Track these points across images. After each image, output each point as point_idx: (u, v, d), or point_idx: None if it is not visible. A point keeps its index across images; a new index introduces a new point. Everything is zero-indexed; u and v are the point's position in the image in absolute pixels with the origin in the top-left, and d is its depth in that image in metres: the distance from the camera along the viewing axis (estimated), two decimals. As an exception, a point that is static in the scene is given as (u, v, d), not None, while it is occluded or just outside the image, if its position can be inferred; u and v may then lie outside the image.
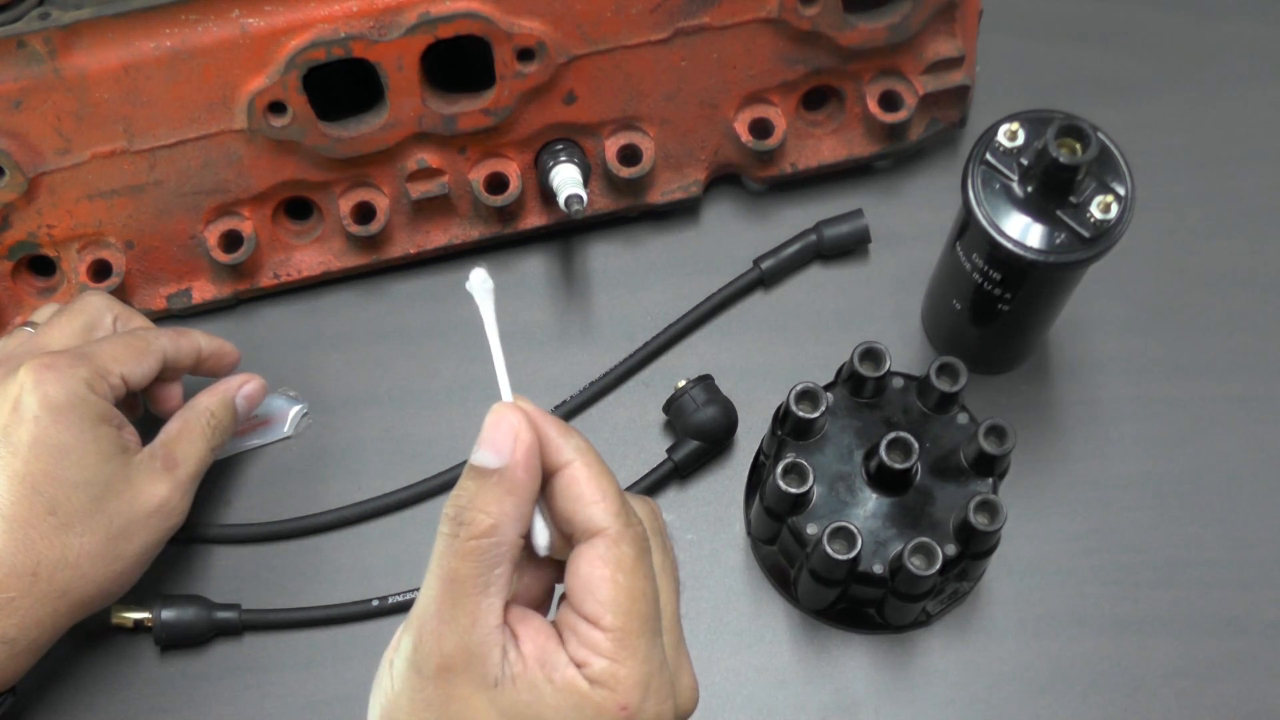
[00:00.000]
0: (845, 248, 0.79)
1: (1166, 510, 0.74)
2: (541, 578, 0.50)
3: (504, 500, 0.45)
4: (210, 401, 0.69)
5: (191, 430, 0.68)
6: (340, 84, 0.72)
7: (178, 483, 0.66)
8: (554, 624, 0.47)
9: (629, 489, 0.74)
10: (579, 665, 0.46)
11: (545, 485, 0.47)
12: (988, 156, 0.65)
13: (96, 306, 0.69)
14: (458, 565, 0.45)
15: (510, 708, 0.45)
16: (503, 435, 0.46)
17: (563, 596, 0.48)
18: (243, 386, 0.71)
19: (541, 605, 0.51)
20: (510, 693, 0.45)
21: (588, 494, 0.46)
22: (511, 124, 0.75)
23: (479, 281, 0.48)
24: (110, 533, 0.63)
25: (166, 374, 0.69)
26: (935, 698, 0.71)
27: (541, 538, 0.46)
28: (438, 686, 0.46)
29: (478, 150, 0.76)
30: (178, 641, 0.71)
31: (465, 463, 0.48)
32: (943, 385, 0.67)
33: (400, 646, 0.48)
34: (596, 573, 0.45)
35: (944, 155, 0.82)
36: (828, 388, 0.69)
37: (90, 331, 0.68)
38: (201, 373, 0.72)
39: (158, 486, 0.65)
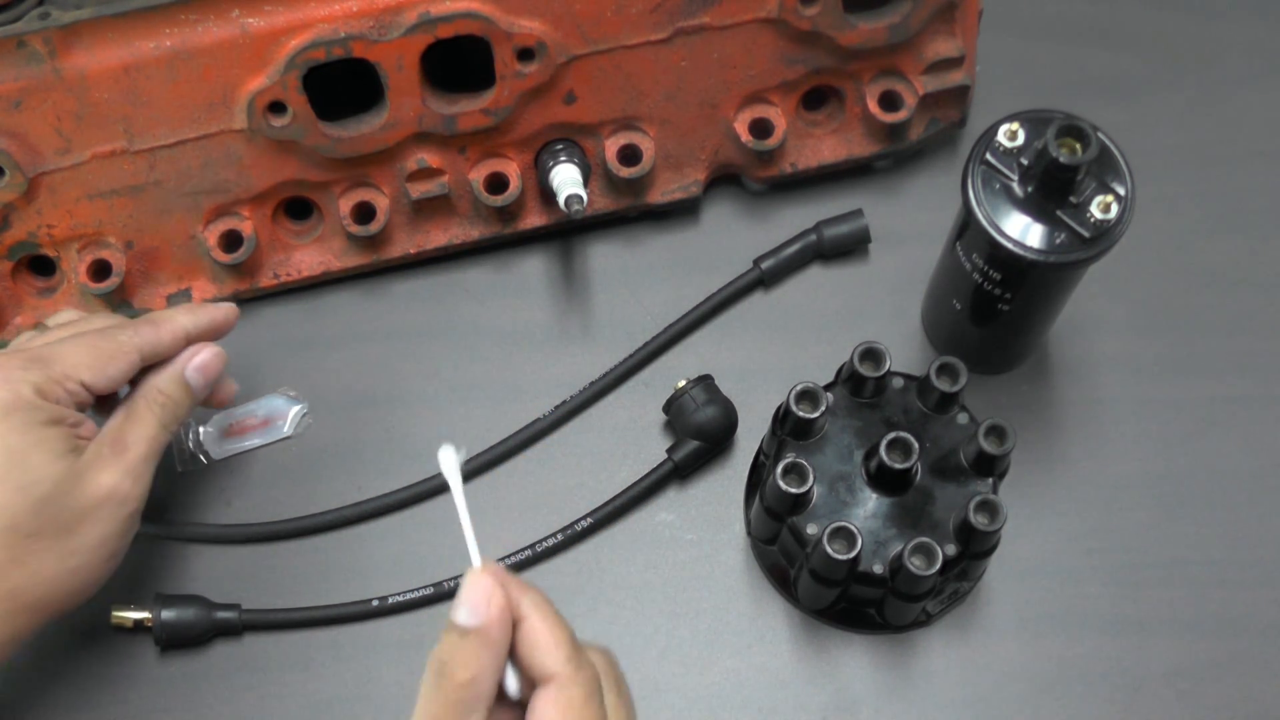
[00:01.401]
0: (845, 248, 0.79)
1: (1166, 510, 0.74)
2: (513, 718, 0.54)
3: (481, 654, 0.50)
4: (159, 380, 0.67)
5: (138, 412, 0.66)
6: (340, 84, 0.72)
7: (127, 468, 0.64)
8: None
9: (629, 489, 0.74)
10: None
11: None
12: (988, 156, 0.65)
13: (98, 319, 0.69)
14: (440, 711, 0.51)
15: None
16: (480, 597, 0.51)
17: None
18: (193, 359, 0.68)
19: None
20: None
21: (543, 643, 0.51)
22: (511, 124, 0.75)
23: (449, 459, 0.53)
24: (59, 527, 0.62)
25: (155, 366, 0.67)
26: (935, 698, 0.71)
27: (512, 684, 0.52)
28: None
29: (478, 150, 0.76)
30: (178, 641, 0.71)
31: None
32: (943, 385, 0.67)
33: None
34: (549, 713, 0.50)
35: (944, 155, 0.82)
36: (828, 388, 0.69)
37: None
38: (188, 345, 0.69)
39: (105, 475, 0.63)
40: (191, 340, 0.69)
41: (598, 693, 0.51)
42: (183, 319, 0.68)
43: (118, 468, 0.64)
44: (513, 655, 0.52)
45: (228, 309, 0.70)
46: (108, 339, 0.65)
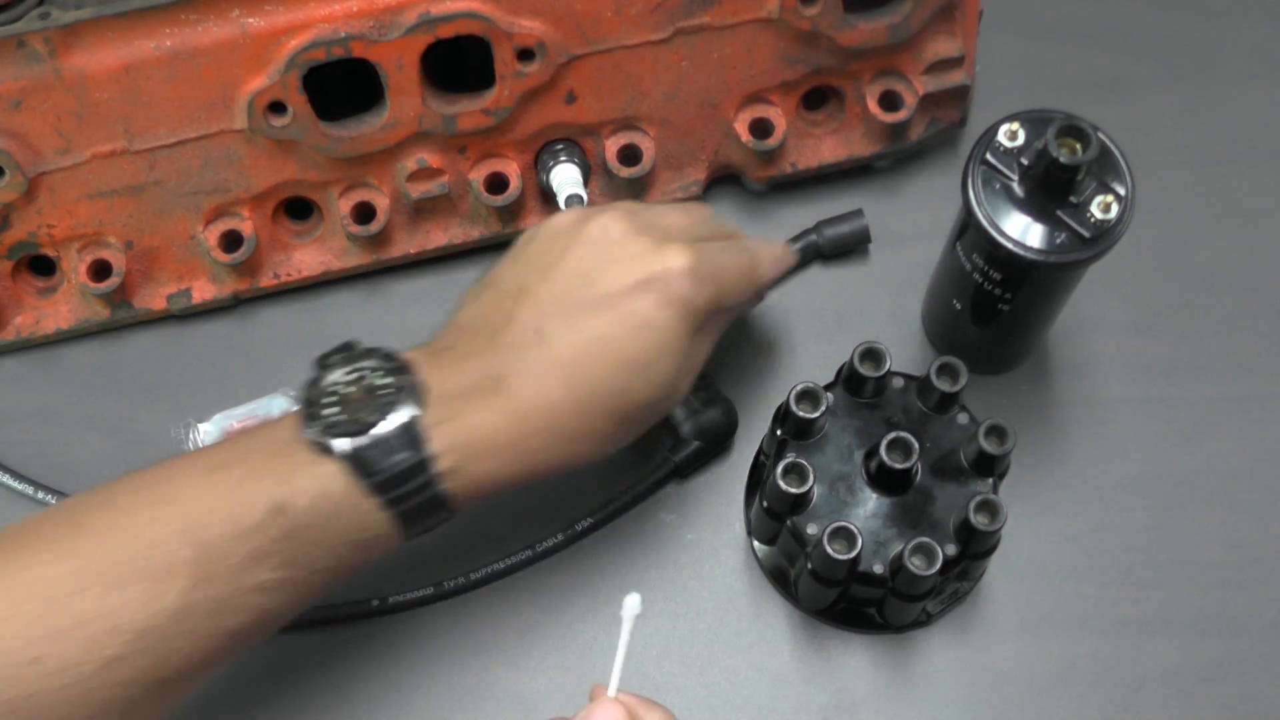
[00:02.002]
0: (846, 247, 0.79)
1: (1166, 510, 0.74)
2: None
3: None
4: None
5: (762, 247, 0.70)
6: (340, 84, 0.72)
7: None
8: None
9: (629, 489, 0.74)
10: None
11: None
12: (988, 156, 0.65)
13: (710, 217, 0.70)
14: None
15: None
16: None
17: None
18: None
19: None
20: None
21: None
22: (511, 124, 0.75)
23: (631, 607, 0.56)
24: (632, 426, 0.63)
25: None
26: (935, 698, 0.71)
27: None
28: None
29: (478, 150, 0.76)
30: (178, 641, 0.71)
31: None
32: (943, 385, 0.67)
33: None
34: None
35: (944, 155, 0.82)
36: (828, 388, 0.69)
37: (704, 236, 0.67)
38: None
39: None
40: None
41: None
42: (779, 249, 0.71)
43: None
44: None
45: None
46: (755, 273, 0.67)
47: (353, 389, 0.58)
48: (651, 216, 0.65)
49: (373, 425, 0.57)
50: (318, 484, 0.56)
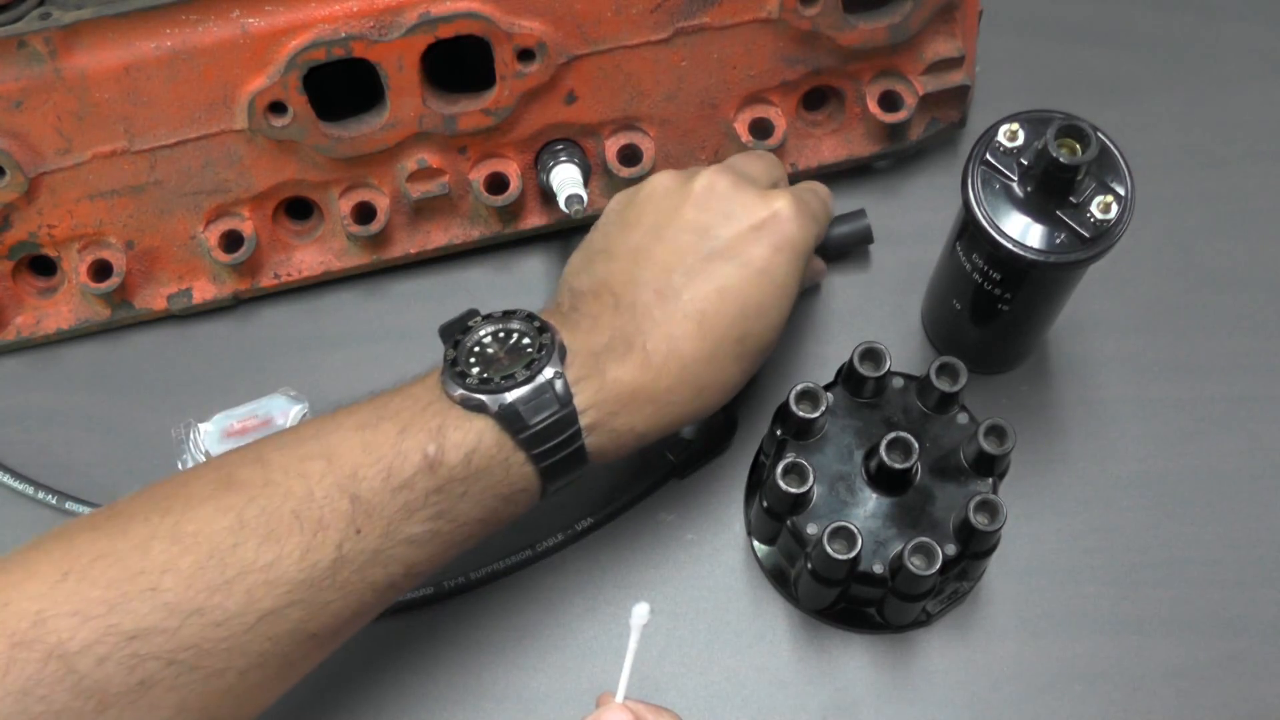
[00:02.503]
0: (847, 247, 0.79)
1: (1166, 510, 0.74)
2: None
3: None
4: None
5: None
6: (340, 84, 0.72)
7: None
8: None
9: (629, 489, 0.74)
10: None
11: None
12: (988, 156, 0.65)
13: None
14: None
15: None
16: None
17: None
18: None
19: None
20: None
21: None
22: (512, 124, 0.75)
23: (639, 615, 0.58)
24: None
25: None
26: (935, 698, 0.71)
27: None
28: None
29: (478, 150, 0.76)
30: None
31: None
32: (943, 385, 0.67)
33: None
34: None
35: (944, 155, 0.82)
36: (828, 388, 0.69)
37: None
38: None
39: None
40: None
41: None
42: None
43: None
44: None
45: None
46: (825, 218, 0.71)
47: (495, 349, 0.61)
48: (744, 167, 0.69)
49: (522, 382, 0.59)
50: (470, 438, 0.58)
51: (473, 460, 0.58)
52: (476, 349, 0.62)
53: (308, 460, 0.58)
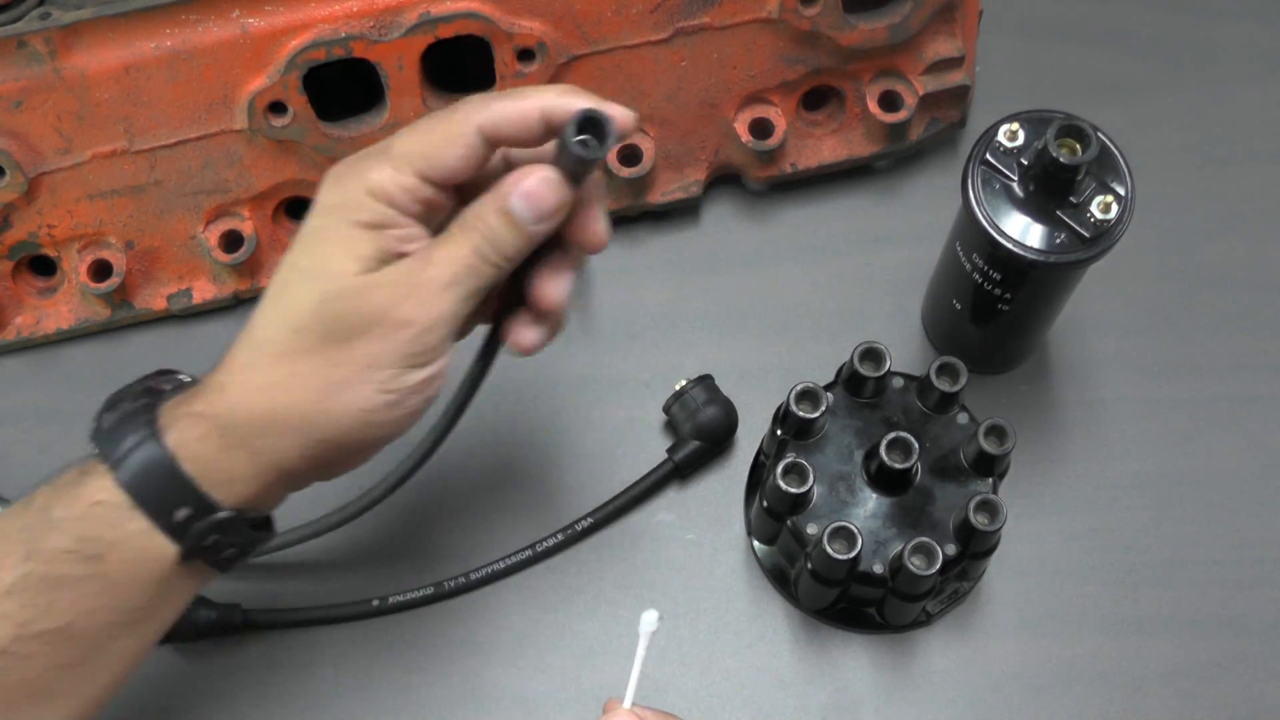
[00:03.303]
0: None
1: (1166, 510, 0.74)
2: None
3: None
4: (477, 205, 0.56)
5: (450, 234, 0.56)
6: (340, 84, 0.72)
7: (416, 286, 0.55)
8: None
9: (629, 489, 0.74)
10: None
11: None
12: (988, 156, 0.65)
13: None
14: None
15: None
16: None
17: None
18: (519, 183, 0.56)
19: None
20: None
21: None
22: (512, 124, 0.74)
23: (648, 623, 0.58)
24: (334, 336, 0.55)
25: (496, 164, 0.57)
26: (935, 698, 0.71)
27: None
28: None
29: (478, 150, 0.76)
30: (178, 640, 0.71)
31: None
32: (943, 385, 0.67)
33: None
34: None
35: (944, 155, 0.82)
36: (828, 388, 0.69)
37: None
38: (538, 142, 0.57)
39: (388, 290, 0.55)
40: (553, 128, 0.56)
41: None
42: (545, 95, 0.56)
43: (404, 285, 0.55)
44: None
45: (616, 107, 0.56)
46: (443, 118, 0.56)
47: None
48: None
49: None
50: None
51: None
52: None
53: None
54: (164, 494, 0.55)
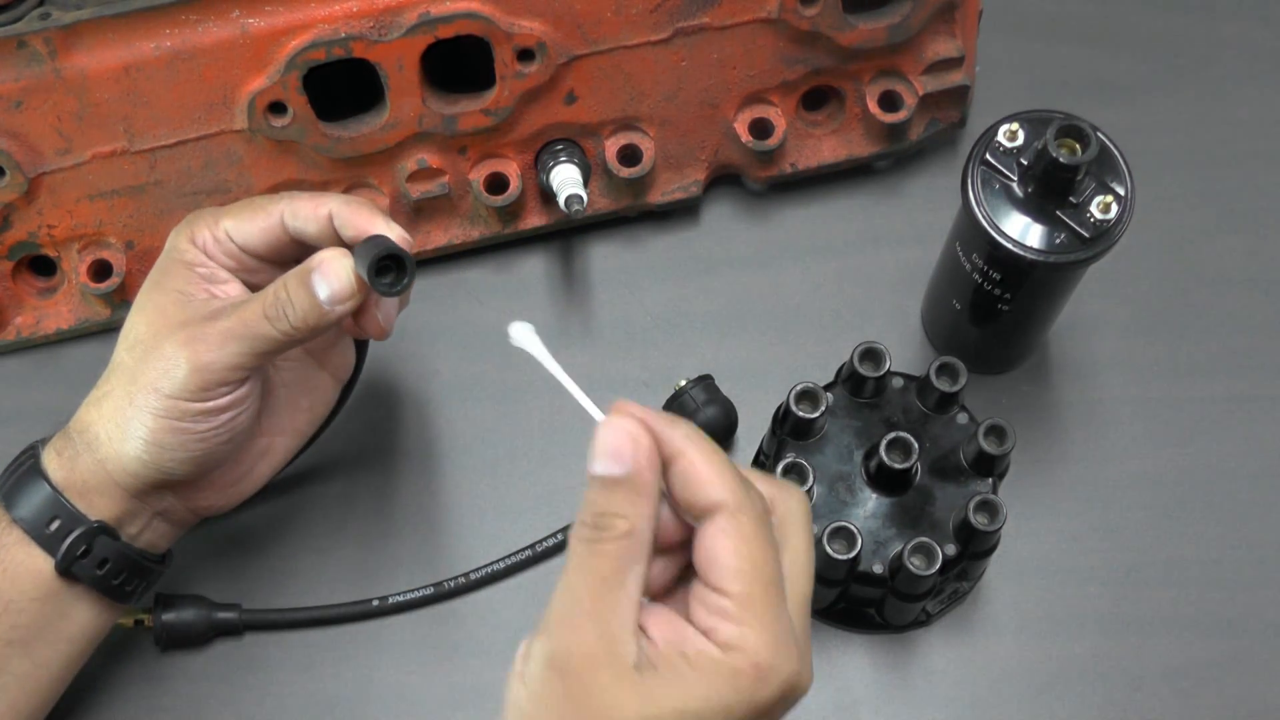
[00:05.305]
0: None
1: (1166, 510, 0.74)
2: (666, 568, 0.51)
3: (636, 503, 0.47)
4: (285, 275, 0.62)
5: (253, 296, 0.62)
6: (340, 84, 0.72)
7: (204, 329, 0.61)
8: (683, 604, 0.49)
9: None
10: (707, 633, 0.47)
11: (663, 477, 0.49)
12: (988, 156, 0.65)
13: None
14: (599, 565, 0.47)
15: (652, 691, 0.47)
16: (622, 443, 0.48)
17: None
18: (320, 262, 0.61)
19: (667, 596, 0.52)
20: (650, 675, 0.47)
21: (704, 476, 0.48)
22: (511, 124, 0.75)
23: (523, 333, 0.54)
24: (151, 352, 0.61)
25: (294, 249, 0.64)
26: (935, 698, 0.71)
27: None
28: (580, 681, 0.47)
29: (478, 150, 0.76)
30: (178, 641, 0.71)
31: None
32: (943, 385, 0.67)
33: (532, 654, 0.49)
34: (719, 544, 0.47)
35: (944, 155, 0.82)
36: (828, 388, 0.69)
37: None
38: (334, 243, 0.63)
39: (186, 330, 0.61)
40: (335, 232, 0.62)
41: (766, 524, 0.48)
42: (333, 201, 0.63)
43: (196, 327, 0.61)
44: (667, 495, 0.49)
45: (393, 227, 0.63)
46: (261, 200, 0.65)
47: None
48: None
49: None
50: None
51: None
52: None
53: None
54: (37, 506, 0.62)
